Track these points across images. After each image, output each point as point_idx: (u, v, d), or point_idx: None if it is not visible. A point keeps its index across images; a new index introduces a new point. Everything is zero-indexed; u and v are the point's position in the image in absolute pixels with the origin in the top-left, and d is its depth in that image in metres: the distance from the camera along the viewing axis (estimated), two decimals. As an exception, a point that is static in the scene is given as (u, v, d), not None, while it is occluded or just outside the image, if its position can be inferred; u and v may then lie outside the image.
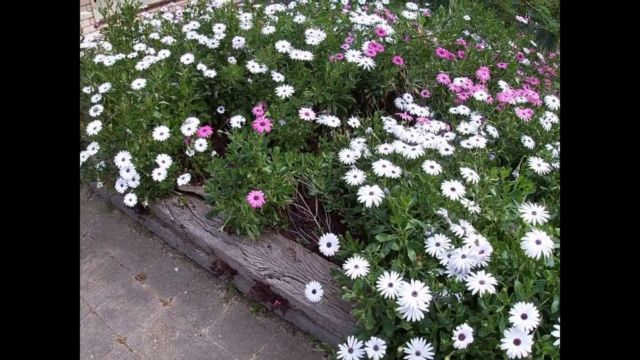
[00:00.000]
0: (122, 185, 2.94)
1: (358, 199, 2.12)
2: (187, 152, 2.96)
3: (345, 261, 2.01)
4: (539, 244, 1.68)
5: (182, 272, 3.05)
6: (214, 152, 3.01)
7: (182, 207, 3.12)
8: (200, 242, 2.94)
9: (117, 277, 3.02)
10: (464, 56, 3.44)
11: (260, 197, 2.35)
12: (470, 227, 2.03)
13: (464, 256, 1.88)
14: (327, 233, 2.15)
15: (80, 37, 3.99)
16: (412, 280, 1.79)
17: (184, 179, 2.92)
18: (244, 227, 2.66)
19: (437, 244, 2.00)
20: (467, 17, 4.25)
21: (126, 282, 2.98)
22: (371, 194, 2.11)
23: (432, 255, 1.99)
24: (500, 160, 2.82)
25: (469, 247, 1.90)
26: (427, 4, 5.79)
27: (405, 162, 2.37)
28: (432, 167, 2.21)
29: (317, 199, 2.82)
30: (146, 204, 3.06)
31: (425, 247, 2.01)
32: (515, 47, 3.98)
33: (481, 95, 3.03)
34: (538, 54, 4.30)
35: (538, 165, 2.36)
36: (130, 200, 2.95)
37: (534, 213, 1.86)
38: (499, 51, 3.88)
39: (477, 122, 2.88)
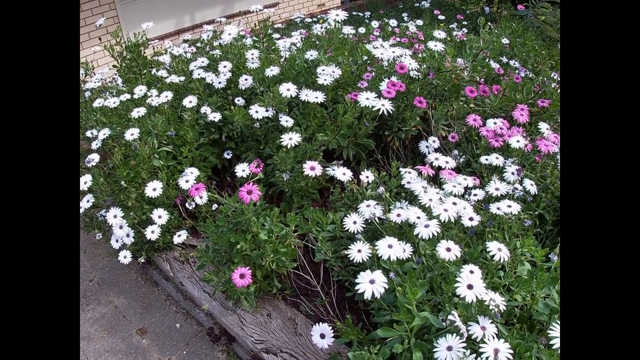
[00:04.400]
0: (117, 241, 2.72)
1: (356, 287, 1.77)
2: (187, 205, 2.70)
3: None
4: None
5: (183, 328, 2.81)
6: (215, 206, 2.74)
7: (182, 263, 2.87)
8: (199, 303, 2.68)
9: (118, 329, 2.84)
10: (499, 92, 3.03)
11: (247, 275, 2.04)
12: (492, 326, 1.65)
13: (480, 372, 1.51)
14: (330, 306, 1.84)
15: (92, 73, 3.81)
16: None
17: (180, 237, 2.65)
18: (238, 297, 2.35)
19: (449, 348, 1.63)
20: (505, 40, 3.84)
21: (126, 336, 2.79)
22: (372, 282, 1.76)
23: (443, 361, 1.62)
24: (539, 220, 2.41)
25: (487, 358, 1.53)
26: (465, 23, 5.38)
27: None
28: (448, 249, 1.83)
29: (323, 264, 2.49)
30: (142, 260, 2.81)
31: (435, 350, 1.64)
32: (559, 76, 3.53)
33: (518, 142, 2.62)
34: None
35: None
36: (125, 257, 2.74)
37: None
38: (540, 79, 3.44)
39: (513, 173, 2.48)
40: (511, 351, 1.52)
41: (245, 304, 2.39)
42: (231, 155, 3.13)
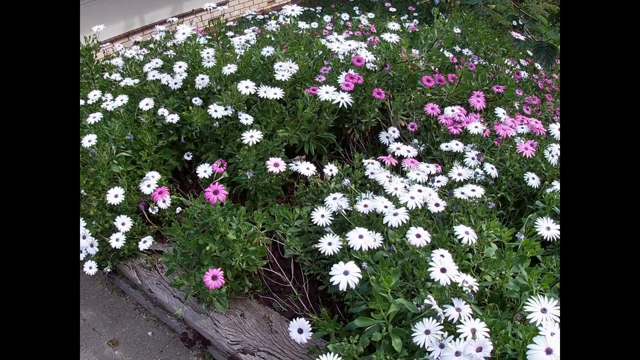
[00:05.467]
0: (81, 252, 2.63)
1: (331, 279, 1.78)
2: (150, 210, 2.64)
3: (318, 359, 1.67)
4: (550, 354, 1.33)
5: (156, 336, 2.75)
6: (179, 209, 2.69)
7: (149, 269, 2.81)
8: (170, 309, 2.63)
9: (89, 342, 2.75)
10: (455, 80, 3.09)
11: (219, 276, 2.01)
12: (467, 307, 1.69)
13: (458, 353, 1.53)
14: (303, 301, 1.84)
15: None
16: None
17: (145, 243, 2.59)
18: (210, 300, 2.32)
19: (427, 332, 1.66)
20: (457, 30, 3.91)
21: (98, 349, 2.70)
22: (346, 273, 1.77)
23: (421, 345, 1.65)
24: (501, 202, 2.47)
25: (465, 338, 1.56)
26: (416, 14, 5.45)
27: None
28: (418, 235, 1.86)
29: (293, 259, 2.49)
30: (109, 270, 2.74)
31: (413, 335, 1.67)
32: (511, 62, 3.63)
33: (476, 127, 2.68)
34: (536, 64, 3.95)
35: (547, 229, 1.98)
36: (91, 268, 2.66)
37: (543, 310, 1.50)
38: (493, 65, 3.53)
39: (473, 158, 2.53)
40: (488, 329, 1.55)
41: (218, 306, 2.36)
42: (191, 156, 3.08)
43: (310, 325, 1.91)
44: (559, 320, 1.47)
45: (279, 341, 2.30)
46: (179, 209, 2.70)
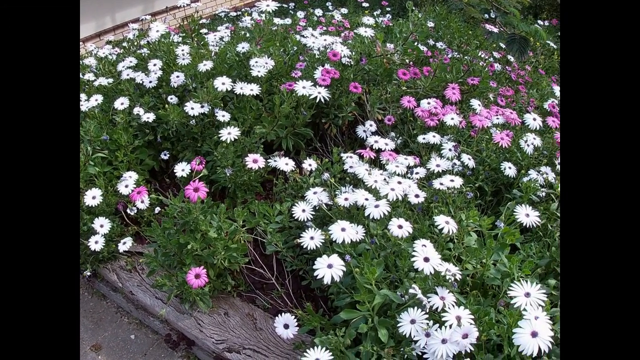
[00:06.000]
0: (57, 255, 2.58)
1: (315, 273, 1.78)
2: (128, 211, 2.60)
3: (305, 354, 1.67)
4: (536, 337, 1.36)
5: (139, 339, 2.72)
6: (158, 209, 2.66)
7: (130, 271, 2.77)
8: (152, 311, 2.60)
9: None
10: (430, 73, 3.11)
11: (202, 274, 2.00)
12: (451, 296, 1.71)
13: (444, 341, 1.55)
14: (287, 297, 1.84)
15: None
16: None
17: (125, 244, 2.55)
18: (194, 299, 2.31)
19: (413, 321, 1.67)
20: (430, 24, 3.94)
21: (81, 355, 2.64)
22: (330, 266, 1.77)
23: (407, 335, 1.66)
24: (479, 192, 2.50)
25: (450, 325, 1.58)
26: (389, 9, 5.48)
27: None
28: (400, 226, 1.87)
29: (275, 256, 2.48)
30: (88, 273, 2.70)
31: (399, 325, 1.68)
32: (485, 54, 3.67)
33: (452, 119, 2.71)
34: (509, 56, 4.01)
35: (526, 215, 2.01)
36: (68, 271, 2.59)
37: (527, 295, 1.53)
38: (467, 58, 3.57)
39: (450, 150, 2.56)
40: (472, 316, 1.57)
41: (201, 305, 2.35)
42: (168, 155, 3.04)
43: (295, 320, 1.91)
44: (542, 304, 1.50)
45: (264, 338, 2.30)
46: (157, 209, 2.67)
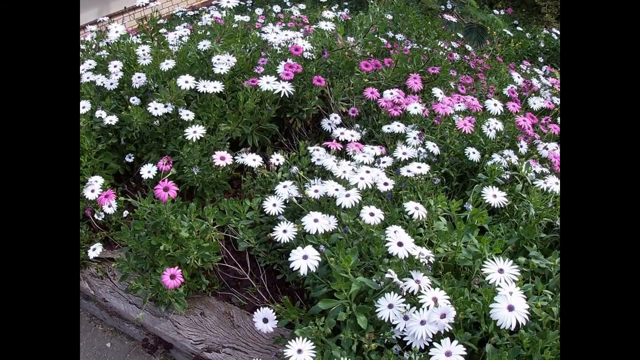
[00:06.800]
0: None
1: (291, 265, 1.79)
2: (95, 216, 2.55)
3: (287, 345, 1.68)
4: (512, 311, 1.40)
5: (115, 347, 2.67)
6: (126, 212, 2.62)
7: (101, 278, 2.72)
8: (127, 316, 2.56)
9: None
10: (391, 64, 3.16)
11: (178, 274, 1.98)
12: (425, 279, 1.75)
13: (423, 322, 1.59)
14: (263, 292, 1.85)
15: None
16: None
17: (94, 250, 2.50)
18: (169, 301, 2.29)
19: (390, 306, 1.70)
20: (389, 16, 3.99)
21: (55, 367, 2.57)
22: (305, 257, 1.79)
23: (386, 319, 1.69)
24: (445, 178, 2.56)
25: (428, 307, 1.61)
26: (346, 4, 5.52)
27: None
28: (372, 214, 1.90)
29: (247, 252, 2.48)
30: (55, 281, 2.63)
31: (377, 310, 1.71)
32: (444, 44, 3.74)
33: (415, 108, 2.76)
34: (467, 46, 4.09)
35: (494, 196, 2.07)
36: (36, 281, 2.53)
37: (500, 271, 1.58)
38: (427, 49, 3.63)
39: (415, 138, 2.60)
40: (448, 297, 1.61)
41: (177, 307, 2.33)
42: (133, 158, 3.00)
43: (274, 314, 1.92)
44: (516, 279, 1.54)
45: (243, 335, 2.29)
46: (126, 213, 2.63)
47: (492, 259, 1.61)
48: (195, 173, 2.49)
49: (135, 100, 2.90)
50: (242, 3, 5.82)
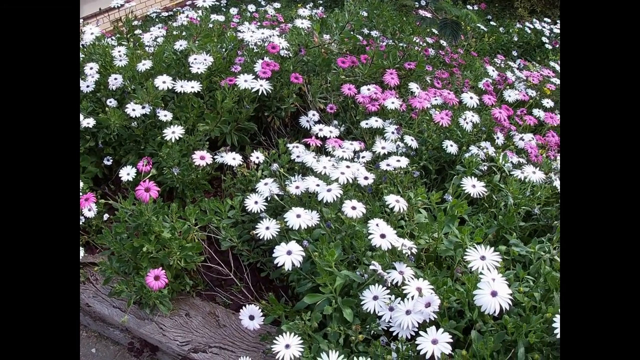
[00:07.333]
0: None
1: (275, 261, 1.80)
2: (74, 220, 2.52)
3: (275, 341, 1.69)
4: (496, 296, 1.43)
5: (100, 352, 2.64)
6: (106, 215, 2.59)
7: (83, 283, 2.69)
8: (111, 321, 2.54)
9: None
10: (368, 60, 3.18)
11: (162, 275, 1.98)
12: (409, 270, 1.77)
13: (408, 312, 1.61)
14: (247, 291, 1.85)
15: None
16: None
17: (74, 254, 2.48)
18: (153, 303, 2.28)
19: (375, 298, 1.72)
20: (364, 13, 4.02)
21: (39, 375, 2.53)
22: (289, 253, 1.80)
23: (371, 311, 1.71)
24: (424, 171, 2.59)
25: (412, 297, 1.64)
26: (321, 2, 5.53)
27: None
28: (354, 208, 1.92)
29: (230, 251, 2.48)
30: (35, 288, 2.60)
31: (362, 303, 1.73)
32: (419, 40, 3.78)
33: (393, 103, 2.78)
34: (441, 41, 4.14)
35: (473, 186, 2.11)
36: (17, 288, 2.49)
37: (482, 258, 1.61)
38: (402, 45, 3.66)
39: (393, 132, 2.63)
40: (432, 286, 1.64)
41: (162, 308, 2.31)
42: (111, 161, 2.97)
43: (260, 311, 1.93)
44: (498, 265, 1.57)
45: (229, 334, 2.29)
46: (106, 216, 2.61)
47: (474, 247, 1.64)
48: (175, 174, 2.49)
49: (112, 102, 2.87)
50: (217, 3, 5.79)
